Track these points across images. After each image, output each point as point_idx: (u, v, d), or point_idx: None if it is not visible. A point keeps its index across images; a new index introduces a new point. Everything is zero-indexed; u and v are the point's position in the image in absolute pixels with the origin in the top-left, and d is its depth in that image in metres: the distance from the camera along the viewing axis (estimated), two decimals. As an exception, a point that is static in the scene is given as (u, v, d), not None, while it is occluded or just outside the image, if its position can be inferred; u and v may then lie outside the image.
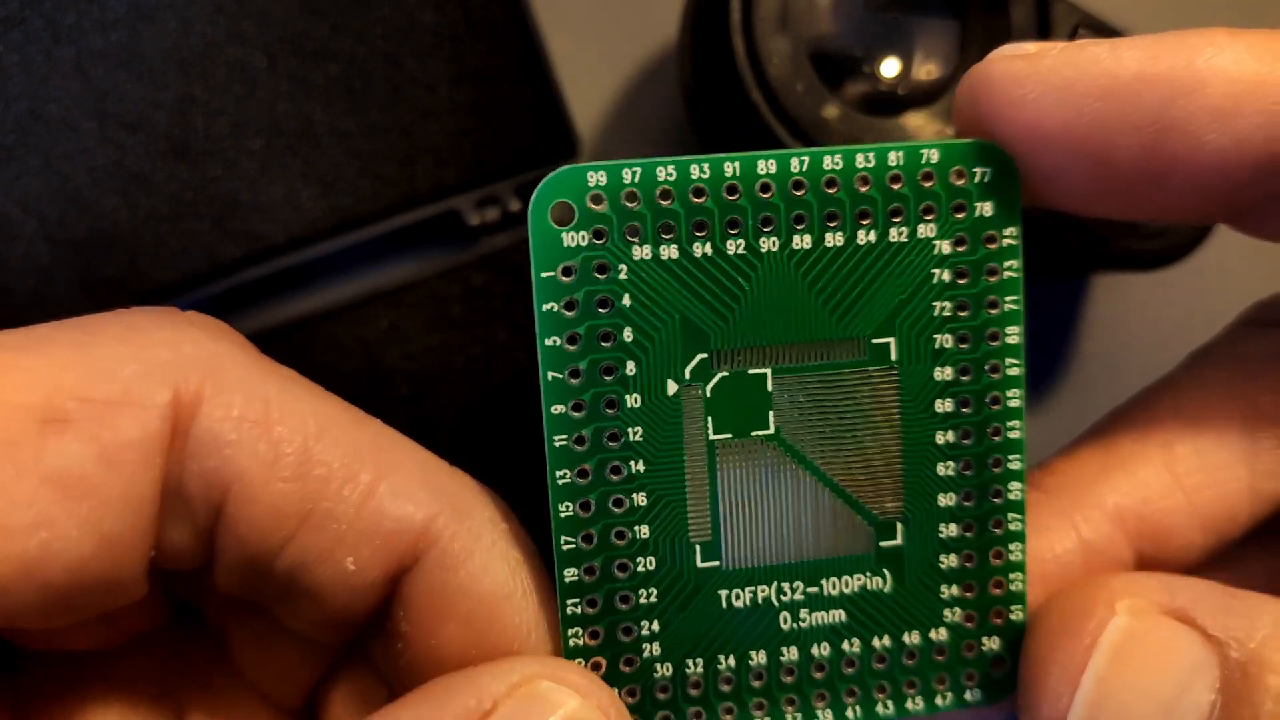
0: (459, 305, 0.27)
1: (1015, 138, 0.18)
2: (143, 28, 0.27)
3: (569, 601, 0.19)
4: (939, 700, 0.20)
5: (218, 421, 0.18)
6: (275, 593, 0.19)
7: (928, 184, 0.19)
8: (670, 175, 0.18)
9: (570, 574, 0.19)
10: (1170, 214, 0.18)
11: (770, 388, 0.19)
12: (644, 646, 0.19)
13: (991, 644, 0.20)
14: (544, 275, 0.18)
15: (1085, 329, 0.28)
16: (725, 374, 0.19)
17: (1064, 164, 0.18)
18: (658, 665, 0.19)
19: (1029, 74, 0.17)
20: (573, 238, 0.18)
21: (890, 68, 0.24)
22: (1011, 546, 0.20)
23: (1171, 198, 0.18)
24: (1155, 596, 0.18)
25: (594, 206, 0.18)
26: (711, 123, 0.25)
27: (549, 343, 0.18)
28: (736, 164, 0.18)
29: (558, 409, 0.19)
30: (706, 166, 0.18)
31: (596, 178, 0.18)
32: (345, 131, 0.27)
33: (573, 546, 0.19)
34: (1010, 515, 0.20)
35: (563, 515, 0.19)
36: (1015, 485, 0.20)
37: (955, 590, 0.20)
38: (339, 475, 0.18)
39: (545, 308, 0.18)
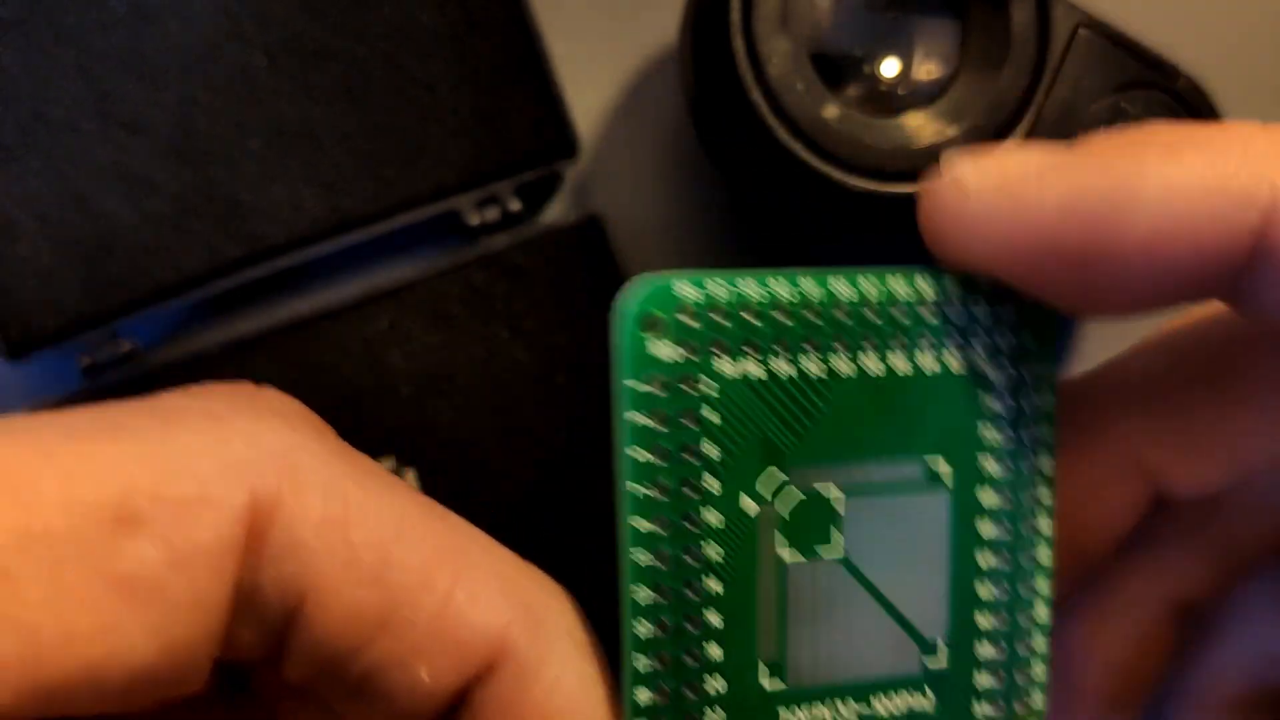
0: (459, 305, 0.27)
1: (957, 264, 0.19)
2: (144, 29, 0.27)
3: None
4: None
5: (297, 525, 0.17)
6: (343, 691, 0.18)
7: (976, 312, 0.19)
8: (760, 294, 0.18)
9: (644, 696, 0.19)
10: (1141, 312, 0.18)
11: (839, 509, 0.19)
12: None
13: None
14: (629, 384, 0.18)
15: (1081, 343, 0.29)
16: (799, 494, 0.19)
17: (1016, 281, 0.18)
18: None
19: (959, 211, 0.18)
20: (661, 349, 0.18)
21: (890, 67, 0.24)
22: (1035, 668, 0.20)
23: (1128, 306, 0.18)
24: None
25: (684, 320, 0.18)
26: (712, 123, 0.25)
27: (632, 453, 0.18)
28: (815, 285, 0.18)
29: (641, 524, 0.18)
30: (786, 284, 0.18)
31: (689, 291, 0.18)
32: (346, 132, 0.27)
33: (648, 667, 0.18)
34: (1036, 637, 0.20)
35: (640, 635, 0.18)
36: (1043, 609, 0.20)
37: (988, 708, 0.20)
38: (417, 581, 0.18)
39: (628, 417, 0.18)
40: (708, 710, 0.19)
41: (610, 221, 0.28)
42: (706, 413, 0.18)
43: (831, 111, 0.23)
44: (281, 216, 0.27)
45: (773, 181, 0.25)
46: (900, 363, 0.19)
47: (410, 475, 0.27)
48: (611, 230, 0.27)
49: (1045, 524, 0.20)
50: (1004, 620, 0.20)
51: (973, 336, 0.19)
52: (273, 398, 0.19)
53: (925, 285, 0.19)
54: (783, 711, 0.19)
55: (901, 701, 0.20)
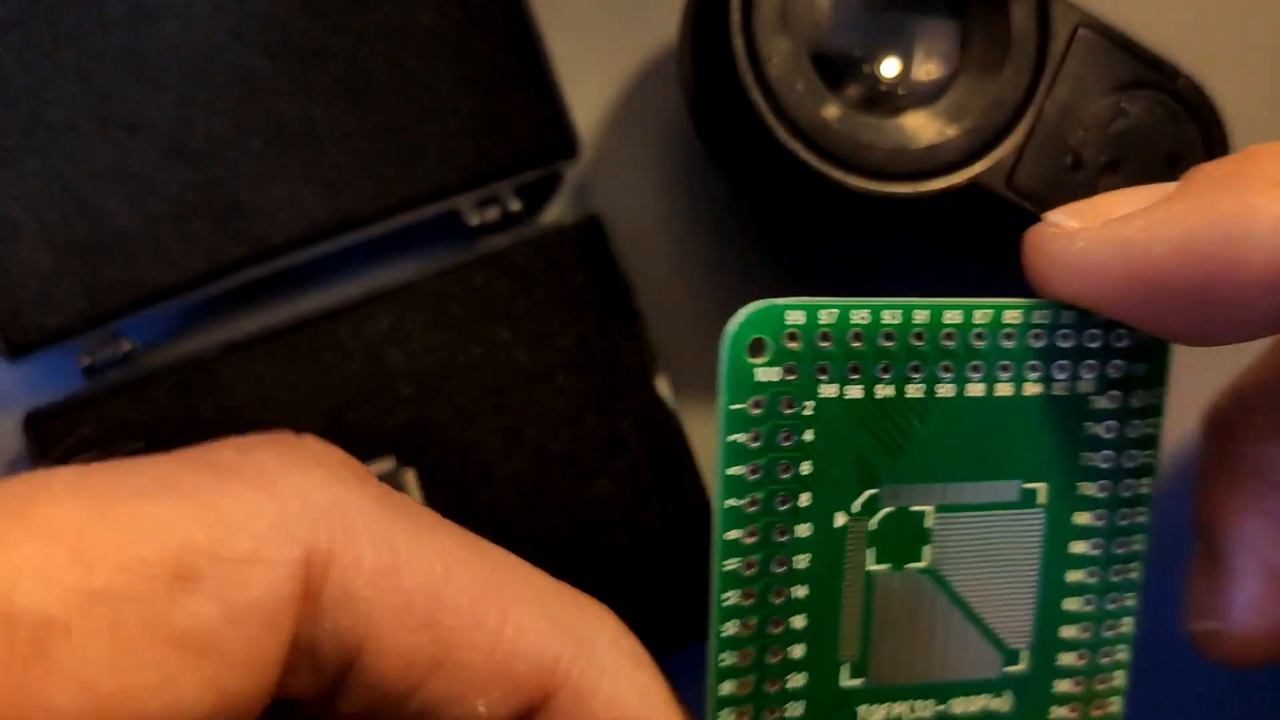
0: (459, 305, 0.27)
1: (1071, 302, 0.19)
2: (143, 29, 0.27)
3: (720, 713, 0.20)
4: None
5: (350, 577, 0.18)
6: None
7: (1091, 342, 0.20)
8: (863, 319, 0.19)
9: (726, 688, 0.19)
10: (1257, 338, 0.19)
11: (929, 524, 0.20)
12: None
13: None
14: (733, 408, 0.19)
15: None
16: (890, 510, 0.20)
17: (1127, 318, 0.19)
18: None
19: (1065, 255, 0.19)
20: (766, 373, 0.19)
21: (890, 67, 0.24)
22: (1115, 675, 0.21)
23: (1245, 335, 0.18)
24: None
25: (789, 344, 0.19)
26: (712, 123, 0.26)
27: (731, 472, 0.19)
28: (925, 313, 0.19)
29: (732, 535, 0.19)
30: (898, 313, 0.19)
31: (795, 316, 0.19)
32: (346, 132, 0.27)
33: (730, 664, 0.19)
34: (1119, 648, 0.21)
35: (725, 635, 0.19)
36: (1128, 621, 0.21)
37: (1065, 711, 0.21)
38: (468, 620, 0.18)
39: (731, 438, 0.19)
40: (789, 704, 0.20)
41: (610, 221, 0.28)
42: (804, 432, 0.19)
43: (832, 111, 0.23)
44: (281, 217, 0.27)
45: (773, 181, 0.25)
46: (1004, 388, 0.20)
47: (410, 475, 0.27)
48: (611, 230, 0.27)
49: (1140, 541, 0.21)
50: (1089, 631, 0.21)
51: (1082, 364, 0.20)
52: (316, 448, 0.20)
53: (1038, 315, 0.20)
54: (861, 708, 0.20)
55: (979, 703, 0.21)
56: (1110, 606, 0.21)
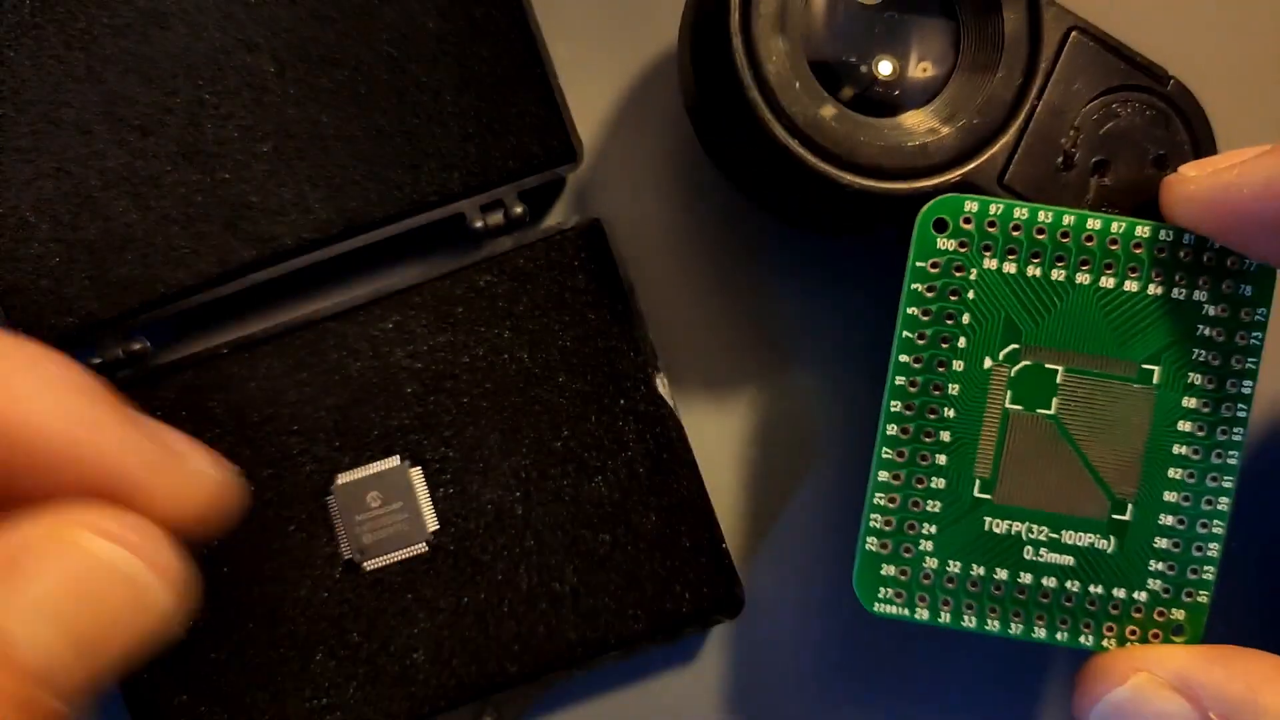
0: (463, 306, 0.28)
1: (1189, 229, 0.24)
2: (154, 34, 0.27)
3: (876, 495, 0.25)
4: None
5: None
6: None
7: (1208, 261, 0.24)
8: (1023, 215, 0.24)
9: (883, 476, 0.25)
10: None
11: (1059, 380, 0.24)
12: (921, 542, 0.25)
13: (1177, 615, 0.25)
14: (918, 264, 0.24)
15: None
16: (1028, 363, 0.24)
17: (1233, 245, 0.23)
18: (927, 558, 0.25)
19: (1183, 192, 0.23)
20: (945, 242, 0.24)
21: (886, 67, 0.25)
22: (1210, 546, 0.24)
23: None
24: (1165, 670, 0.23)
25: (964, 225, 0.24)
26: (711, 123, 0.26)
27: (910, 311, 0.24)
28: (1072, 217, 0.24)
29: (904, 358, 0.24)
30: (1050, 214, 0.24)
31: (970, 206, 0.24)
32: (352, 136, 0.28)
33: (889, 458, 0.24)
34: (1215, 522, 0.24)
35: (888, 434, 0.24)
36: (1225, 500, 0.24)
37: (1161, 566, 0.24)
38: None
39: (913, 287, 0.24)
40: (929, 500, 0.25)
41: (611, 224, 0.28)
42: (968, 291, 0.24)
43: (828, 110, 0.24)
44: (289, 219, 0.28)
45: (771, 180, 0.25)
46: (1131, 285, 0.24)
47: (415, 472, 0.27)
48: (612, 233, 0.28)
49: (1239, 433, 0.24)
50: (1190, 500, 0.24)
51: (1200, 276, 0.24)
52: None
53: (1164, 234, 0.24)
54: (987, 517, 0.25)
55: (1086, 538, 0.25)
56: (1210, 484, 0.24)
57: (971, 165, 0.24)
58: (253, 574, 0.27)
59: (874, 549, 0.25)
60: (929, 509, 0.25)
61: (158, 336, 0.28)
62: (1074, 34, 0.24)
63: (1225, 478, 0.24)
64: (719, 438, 0.29)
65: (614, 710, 0.29)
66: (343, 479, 0.28)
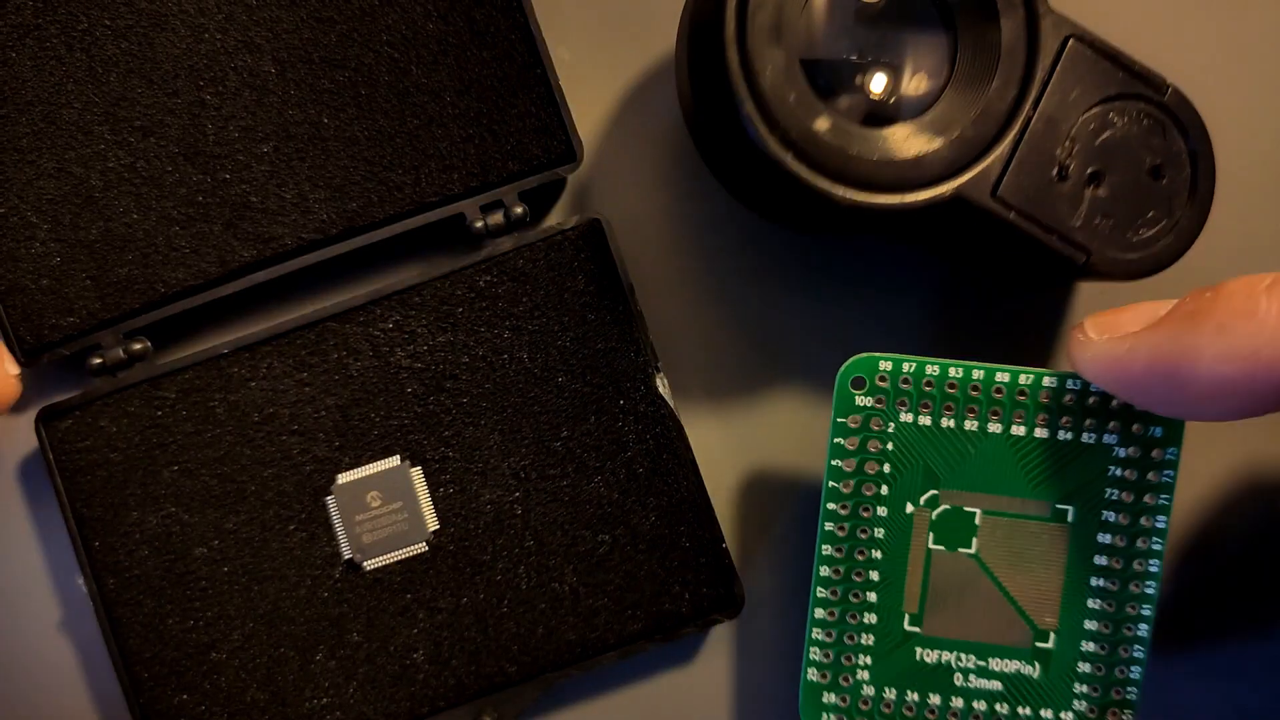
0: (464, 306, 0.28)
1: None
2: (155, 35, 0.27)
3: (815, 631, 0.26)
4: None
5: None
6: None
7: (1116, 406, 0.25)
8: (934, 371, 0.25)
9: (819, 613, 0.26)
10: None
11: (977, 521, 0.26)
12: (858, 672, 0.26)
13: None
14: (839, 420, 0.26)
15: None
16: (947, 506, 0.26)
17: (1131, 401, 0.24)
18: (865, 686, 0.26)
19: (1084, 355, 0.24)
20: (863, 399, 0.26)
21: (880, 81, 0.25)
22: (1133, 669, 0.26)
23: (1217, 419, 0.23)
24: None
25: (880, 383, 0.26)
26: (707, 133, 0.26)
27: (834, 463, 0.26)
28: (981, 372, 0.25)
29: (831, 506, 0.26)
30: (960, 369, 0.25)
31: (885, 365, 0.25)
32: (353, 137, 0.28)
33: (824, 596, 0.26)
34: (1136, 646, 0.26)
35: (822, 574, 0.26)
36: (1145, 626, 0.25)
37: (1086, 688, 0.26)
38: None
39: (836, 441, 0.26)
40: (864, 634, 0.26)
41: (611, 225, 0.28)
42: (887, 443, 0.26)
43: (823, 123, 0.24)
44: (290, 220, 0.28)
45: (765, 189, 0.25)
46: (1041, 431, 0.25)
47: (415, 472, 0.28)
48: (612, 234, 0.28)
49: (1154, 564, 0.25)
50: (1110, 627, 0.26)
51: (1110, 421, 0.25)
52: None
53: (1071, 383, 0.25)
54: (918, 648, 0.26)
55: (1012, 665, 0.26)
56: (1129, 611, 0.26)
57: (965, 178, 0.24)
58: (253, 574, 0.27)
59: (815, 679, 0.26)
60: (864, 642, 0.26)
61: (159, 336, 0.29)
62: (1072, 42, 0.24)
63: (1143, 605, 0.26)
64: (718, 438, 0.29)
65: (613, 710, 0.29)
66: (343, 479, 0.28)
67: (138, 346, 0.28)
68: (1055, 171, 0.24)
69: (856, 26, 0.25)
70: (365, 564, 0.27)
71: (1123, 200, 0.24)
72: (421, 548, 0.27)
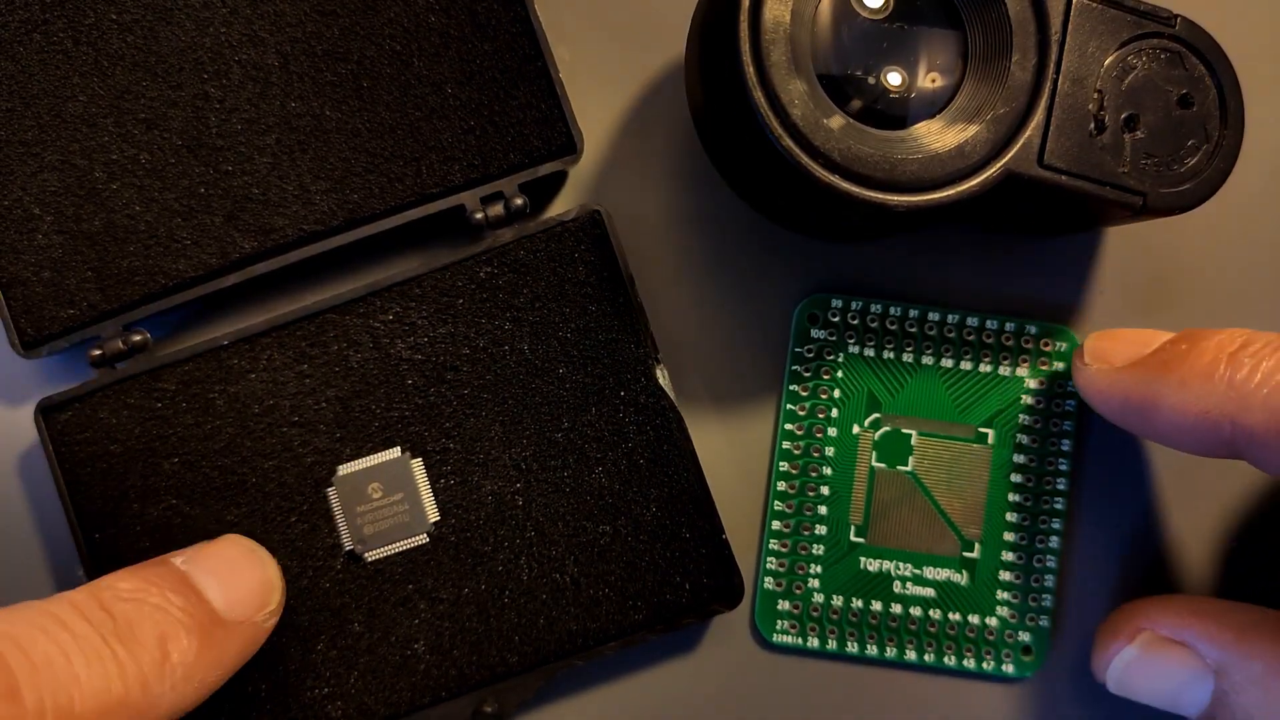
0: (464, 298, 0.28)
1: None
2: (160, 29, 0.28)
3: (771, 541, 0.29)
4: (984, 665, 0.29)
5: None
6: None
7: (1027, 344, 0.29)
8: (877, 310, 0.29)
9: (775, 525, 0.29)
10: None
11: (913, 442, 0.29)
12: (809, 580, 0.29)
13: (1024, 637, 0.29)
14: (795, 350, 0.29)
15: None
16: (888, 428, 0.29)
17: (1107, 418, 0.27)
18: (815, 594, 0.29)
19: (1079, 377, 0.27)
20: (817, 333, 0.29)
21: (894, 78, 0.25)
22: (1047, 577, 0.29)
23: (1178, 448, 0.26)
24: (1166, 625, 0.26)
25: (832, 319, 0.29)
26: (717, 132, 0.26)
27: (791, 388, 0.29)
28: (917, 311, 0.29)
29: (788, 426, 0.29)
30: (899, 309, 0.29)
31: (835, 303, 0.29)
32: (355, 129, 0.28)
33: (780, 509, 0.29)
34: (1049, 557, 0.29)
35: (778, 489, 0.29)
36: (1055, 539, 0.29)
37: (1007, 595, 0.29)
38: None
39: (793, 368, 0.29)
40: (814, 544, 0.29)
41: (612, 216, 0.28)
42: (836, 371, 0.29)
43: (836, 122, 0.24)
44: (292, 211, 0.28)
45: (779, 189, 0.25)
46: (966, 364, 0.29)
47: (416, 464, 0.27)
48: (613, 225, 0.28)
49: (1062, 483, 0.29)
50: (1026, 539, 0.29)
51: (1021, 356, 0.29)
52: None
53: (991, 323, 0.29)
54: (862, 558, 0.29)
55: (944, 573, 0.29)
56: (1041, 525, 0.29)
57: (1009, 155, 0.24)
58: (253, 564, 0.27)
59: (771, 587, 0.29)
60: (814, 552, 0.29)
61: (159, 328, 0.29)
62: (1076, 1, 0.24)
63: (1054, 520, 0.29)
64: (719, 429, 0.29)
65: (614, 700, 0.29)
66: (344, 470, 0.28)
67: (137, 338, 0.28)
68: (1092, 126, 0.25)
69: (868, 25, 0.25)
70: (366, 555, 0.27)
71: (1161, 137, 0.25)
72: (422, 539, 0.27)
